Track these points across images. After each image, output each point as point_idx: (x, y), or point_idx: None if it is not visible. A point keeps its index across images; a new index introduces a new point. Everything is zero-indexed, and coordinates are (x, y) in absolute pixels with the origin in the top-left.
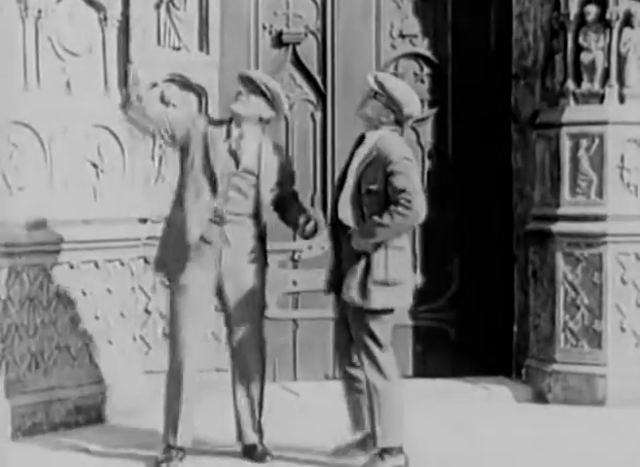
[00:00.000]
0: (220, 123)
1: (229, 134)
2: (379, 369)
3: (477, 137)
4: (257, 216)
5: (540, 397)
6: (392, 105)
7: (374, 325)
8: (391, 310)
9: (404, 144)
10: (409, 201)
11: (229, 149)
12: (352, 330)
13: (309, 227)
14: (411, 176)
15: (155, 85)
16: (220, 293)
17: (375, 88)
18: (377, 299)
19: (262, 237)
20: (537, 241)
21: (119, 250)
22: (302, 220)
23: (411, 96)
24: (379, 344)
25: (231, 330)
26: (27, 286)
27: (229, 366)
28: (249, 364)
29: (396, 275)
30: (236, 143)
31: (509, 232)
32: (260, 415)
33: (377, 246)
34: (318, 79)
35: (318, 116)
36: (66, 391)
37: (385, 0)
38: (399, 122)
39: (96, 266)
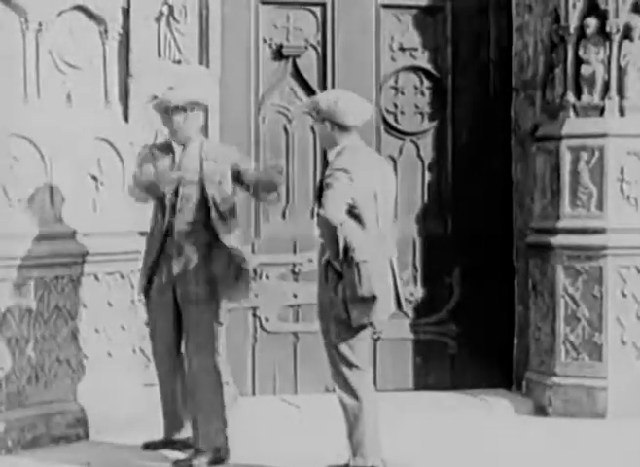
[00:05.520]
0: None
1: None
2: (349, 388)
3: (477, 150)
4: (208, 224)
5: (540, 410)
6: (324, 116)
7: (345, 344)
8: (363, 326)
9: (350, 156)
10: (318, 213)
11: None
12: (325, 348)
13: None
14: (335, 186)
15: (155, 98)
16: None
17: (306, 111)
18: (354, 315)
19: (219, 245)
20: (537, 254)
21: (119, 263)
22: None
23: (338, 100)
24: (349, 364)
25: (185, 336)
26: (27, 299)
27: (229, 378)
28: (196, 372)
29: (366, 291)
30: (179, 161)
31: (509, 244)
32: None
33: (344, 262)
34: (318, 92)
35: None
36: (66, 404)
37: (385, 13)
38: (341, 126)
39: (96, 278)
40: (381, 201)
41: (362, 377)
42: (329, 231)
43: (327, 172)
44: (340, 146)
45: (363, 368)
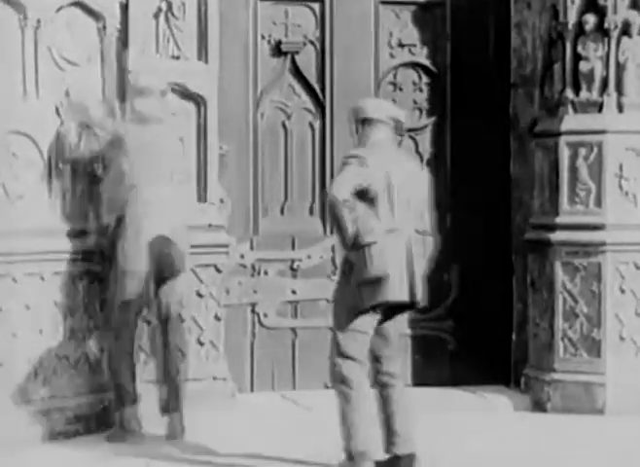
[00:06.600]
0: None
1: None
2: (342, 377)
3: (475, 146)
4: None
5: (539, 406)
6: (354, 115)
7: (344, 334)
8: (367, 315)
9: (370, 147)
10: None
11: None
12: None
13: None
14: (344, 170)
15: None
16: None
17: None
18: (365, 297)
19: None
20: (536, 250)
21: None
22: None
23: (365, 100)
24: (341, 354)
25: None
26: (26, 295)
27: (227, 374)
28: None
29: (375, 271)
30: None
31: (507, 241)
32: None
33: (353, 248)
34: (317, 88)
35: (317, 124)
36: (65, 400)
37: (384, 9)
38: (364, 120)
39: (96, 275)
40: (399, 196)
41: (354, 368)
42: (331, 210)
43: (342, 160)
44: (368, 143)
45: (359, 360)
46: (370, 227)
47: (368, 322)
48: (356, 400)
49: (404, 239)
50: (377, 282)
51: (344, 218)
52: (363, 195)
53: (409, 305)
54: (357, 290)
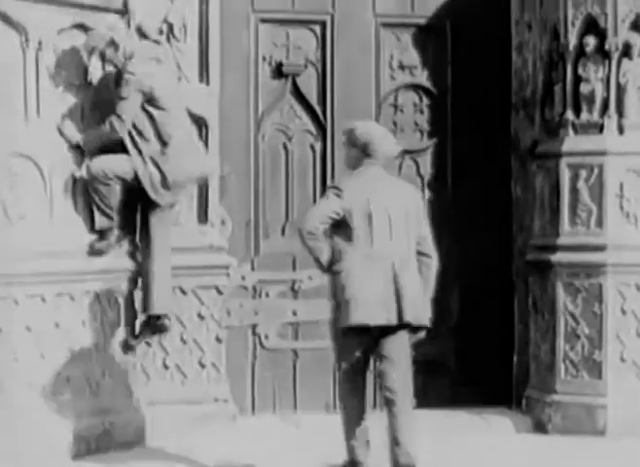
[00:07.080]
0: None
1: None
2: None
3: (476, 167)
4: None
5: (540, 427)
6: (355, 142)
7: (337, 361)
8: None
9: (355, 178)
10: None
11: None
12: None
13: None
14: (320, 201)
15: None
16: None
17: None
18: (336, 319)
19: None
20: (537, 271)
21: (119, 281)
22: None
23: (371, 130)
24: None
25: None
26: (27, 316)
27: (228, 396)
28: None
29: (342, 296)
30: None
31: (508, 262)
32: None
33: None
34: (318, 110)
35: (318, 146)
36: (66, 421)
37: (385, 31)
38: (366, 153)
39: (96, 296)
40: (381, 220)
41: (343, 389)
42: (300, 240)
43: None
44: (358, 170)
45: (346, 379)
46: (342, 253)
47: (351, 343)
48: (344, 411)
49: (387, 263)
50: (348, 305)
51: (314, 248)
52: (340, 222)
53: (404, 326)
54: (335, 311)
